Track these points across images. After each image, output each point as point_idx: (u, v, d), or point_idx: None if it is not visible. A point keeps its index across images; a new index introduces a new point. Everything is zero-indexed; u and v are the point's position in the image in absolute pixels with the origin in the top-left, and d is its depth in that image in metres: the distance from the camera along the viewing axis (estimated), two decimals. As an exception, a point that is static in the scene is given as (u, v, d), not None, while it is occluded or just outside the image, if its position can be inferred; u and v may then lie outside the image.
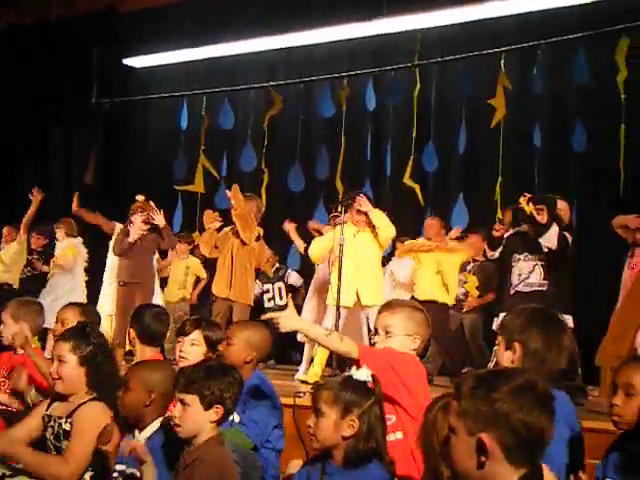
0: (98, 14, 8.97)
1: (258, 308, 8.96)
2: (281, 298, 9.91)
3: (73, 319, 4.87)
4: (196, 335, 4.46)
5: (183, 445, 3.35)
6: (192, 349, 4.43)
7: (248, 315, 8.11)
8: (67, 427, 3.81)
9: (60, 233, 9.86)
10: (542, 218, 6.67)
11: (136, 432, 3.62)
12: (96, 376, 3.87)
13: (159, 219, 8.42)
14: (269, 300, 9.95)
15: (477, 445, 2.12)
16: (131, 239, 8.35)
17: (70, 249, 9.75)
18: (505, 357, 3.21)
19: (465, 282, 8.52)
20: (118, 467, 3.59)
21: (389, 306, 3.75)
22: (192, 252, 10.31)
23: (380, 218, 7.34)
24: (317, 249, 7.69)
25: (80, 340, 3.93)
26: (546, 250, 6.69)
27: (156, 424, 3.60)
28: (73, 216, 9.82)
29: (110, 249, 9.20)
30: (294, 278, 9.99)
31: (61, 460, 3.74)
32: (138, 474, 3.46)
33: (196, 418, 3.27)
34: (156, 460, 3.44)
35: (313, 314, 8.08)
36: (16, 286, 9.86)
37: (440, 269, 8.00)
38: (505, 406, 2.12)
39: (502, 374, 2.24)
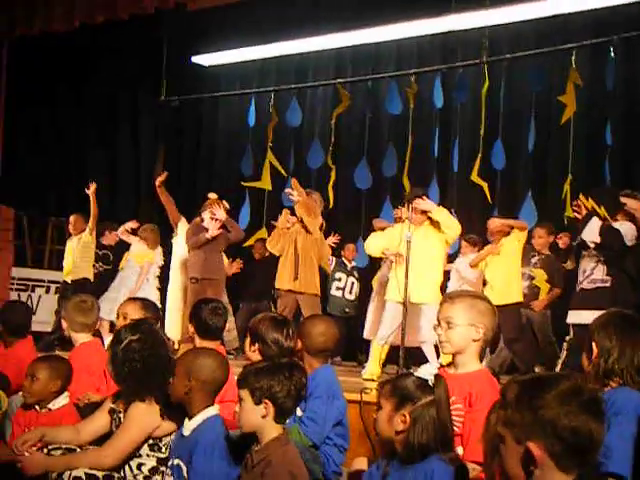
0: (167, 12, 9.04)
1: (324, 292, 9.04)
2: (351, 293, 9.96)
3: (133, 314, 4.93)
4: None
5: (243, 440, 3.37)
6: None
7: (319, 305, 8.15)
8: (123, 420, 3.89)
9: (142, 242, 9.91)
10: (579, 210, 6.58)
11: (185, 421, 3.65)
12: (123, 375, 3.89)
13: (220, 213, 8.50)
14: (337, 289, 10.00)
15: (525, 454, 2.10)
16: (209, 235, 8.43)
17: (148, 255, 9.83)
18: (583, 359, 3.23)
19: (532, 277, 8.41)
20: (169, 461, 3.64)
21: (449, 297, 3.72)
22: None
23: (444, 216, 7.29)
24: (372, 244, 7.74)
25: (117, 337, 3.98)
26: (592, 245, 6.56)
27: (205, 413, 3.60)
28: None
29: (175, 248, 9.31)
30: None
31: (97, 448, 3.83)
32: (182, 465, 3.51)
33: (249, 413, 3.29)
34: (205, 450, 3.47)
35: (380, 310, 8.07)
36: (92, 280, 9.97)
37: (506, 262, 7.97)
38: (550, 413, 2.08)
39: (546, 380, 2.20)
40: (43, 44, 10.11)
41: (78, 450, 3.89)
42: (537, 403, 2.11)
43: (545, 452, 2.07)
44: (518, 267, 8.19)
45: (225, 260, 9.23)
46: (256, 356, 4.23)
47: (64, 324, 5.38)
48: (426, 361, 7.25)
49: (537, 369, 7.93)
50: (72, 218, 9.91)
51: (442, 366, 3.73)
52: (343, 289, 9.98)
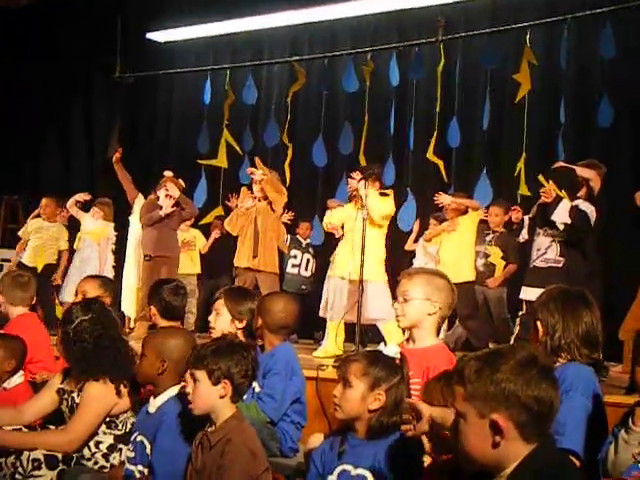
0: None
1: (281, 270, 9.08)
2: (306, 270, 10.03)
3: (92, 291, 4.93)
4: (219, 305, 4.49)
5: (198, 417, 3.39)
6: (218, 319, 4.46)
7: (277, 283, 8.16)
8: (78, 400, 3.86)
9: (97, 214, 9.83)
10: (547, 196, 6.66)
11: (151, 399, 3.65)
12: (75, 354, 3.88)
13: (174, 191, 8.47)
14: (293, 266, 10.07)
15: (491, 426, 2.13)
16: (162, 213, 8.41)
17: (103, 231, 9.76)
18: (531, 335, 3.28)
19: (487, 255, 8.50)
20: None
21: (408, 273, 3.77)
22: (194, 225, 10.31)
23: (370, 199, 7.23)
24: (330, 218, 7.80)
25: (69, 316, 3.97)
26: (562, 226, 6.66)
27: (171, 391, 3.62)
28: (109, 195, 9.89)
29: (132, 225, 9.25)
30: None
31: (59, 431, 3.81)
32: (146, 442, 3.52)
33: (206, 393, 3.30)
34: (170, 428, 3.48)
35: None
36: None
37: (459, 241, 8.07)
38: (512, 384, 2.13)
39: (501, 353, 2.24)
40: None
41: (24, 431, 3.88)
42: (498, 376, 2.14)
43: (511, 423, 2.11)
44: (471, 246, 8.30)
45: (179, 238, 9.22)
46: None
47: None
48: (381, 339, 7.29)
49: (491, 346, 8.02)
50: (43, 201, 9.78)
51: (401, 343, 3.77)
52: (299, 266, 10.08)
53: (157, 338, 3.73)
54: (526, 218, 7.83)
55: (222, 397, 3.30)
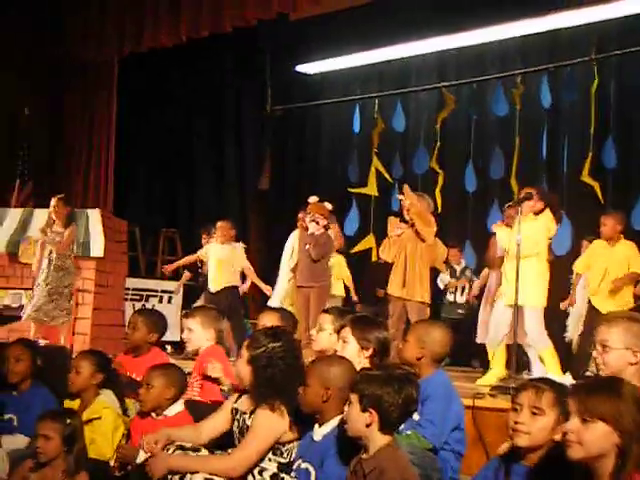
0: (270, 23, 9.17)
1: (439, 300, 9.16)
2: (462, 296, 9.95)
3: (272, 324, 4.97)
4: (345, 332, 4.45)
5: (357, 446, 3.37)
6: (344, 347, 4.42)
7: (426, 313, 8.08)
8: (250, 423, 3.90)
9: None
10: None
11: (316, 427, 3.66)
12: (262, 379, 3.91)
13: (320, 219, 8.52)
14: (451, 294, 10.09)
15: None
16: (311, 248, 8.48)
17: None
18: None
19: None
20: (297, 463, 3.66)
21: (606, 320, 3.67)
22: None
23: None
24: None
25: (256, 341, 4.02)
26: None
27: (335, 421, 3.60)
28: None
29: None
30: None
31: (225, 456, 3.85)
32: (311, 469, 3.51)
33: (354, 418, 3.27)
34: (337, 455, 3.46)
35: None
36: None
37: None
38: None
39: None
40: (148, 62, 10.39)
41: (203, 451, 3.95)
42: None
43: None
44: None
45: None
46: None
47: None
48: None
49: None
50: (219, 225, 10.00)
51: None
52: (454, 293, 10.01)
53: (321, 366, 3.74)
54: None
55: (368, 425, 3.26)
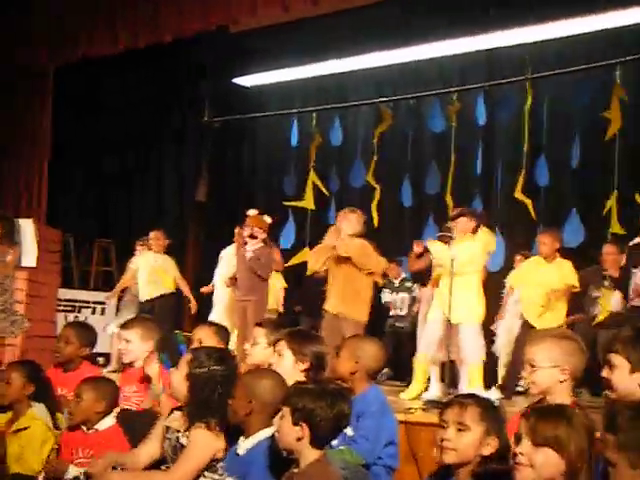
0: (209, 35, 9.16)
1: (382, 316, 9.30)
2: (402, 310, 10.00)
3: (207, 339, 4.94)
4: (281, 346, 4.44)
5: (288, 460, 3.38)
6: (279, 360, 4.41)
7: (361, 331, 8.07)
8: (184, 442, 3.86)
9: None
10: None
11: (240, 440, 3.64)
12: (197, 398, 3.88)
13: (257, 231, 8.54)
14: (394, 308, 10.16)
15: None
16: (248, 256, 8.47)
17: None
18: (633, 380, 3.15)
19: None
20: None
21: (532, 339, 3.70)
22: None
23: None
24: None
25: (199, 359, 3.98)
26: None
27: (263, 433, 3.58)
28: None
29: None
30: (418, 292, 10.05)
31: (163, 474, 3.82)
32: None
33: (286, 432, 3.27)
34: (260, 471, 3.46)
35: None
36: None
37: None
38: None
39: None
40: (84, 72, 10.28)
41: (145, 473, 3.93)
42: None
43: None
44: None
45: None
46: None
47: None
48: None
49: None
50: (153, 234, 9.98)
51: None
52: (395, 308, 10.10)
53: (248, 379, 3.73)
54: None
55: (299, 439, 3.25)
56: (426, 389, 7.56)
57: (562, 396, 3.49)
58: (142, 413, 4.71)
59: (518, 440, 2.81)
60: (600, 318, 8.00)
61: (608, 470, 2.15)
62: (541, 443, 2.72)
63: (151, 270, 9.77)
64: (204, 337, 5.00)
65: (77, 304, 11.02)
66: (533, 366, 3.54)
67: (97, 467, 3.93)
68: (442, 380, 7.36)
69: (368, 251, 7.69)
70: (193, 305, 9.95)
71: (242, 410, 3.59)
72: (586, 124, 9.33)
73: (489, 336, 8.48)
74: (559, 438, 2.70)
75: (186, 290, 10.01)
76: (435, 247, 7.53)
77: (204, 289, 9.93)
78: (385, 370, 9.14)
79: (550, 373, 3.50)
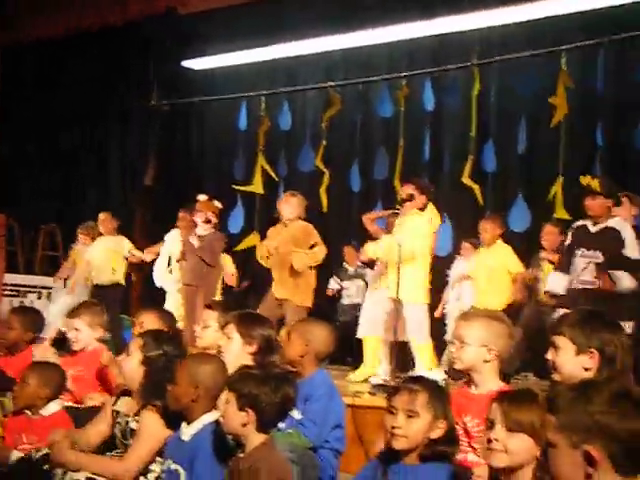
0: (157, 16, 9.07)
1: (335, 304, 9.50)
2: (357, 297, 10.02)
3: (150, 324, 4.91)
4: (229, 329, 4.45)
5: (234, 444, 3.38)
6: (228, 343, 4.42)
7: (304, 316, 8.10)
8: (134, 426, 3.85)
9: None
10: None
11: (183, 425, 3.64)
12: (154, 381, 3.87)
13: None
14: (348, 297, 10.19)
15: (584, 457, 2.10)
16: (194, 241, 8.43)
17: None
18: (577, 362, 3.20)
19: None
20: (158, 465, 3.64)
21: (465, 315, 3.77)
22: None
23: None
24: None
25: (151, 343, 3.97)
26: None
27: (206, 418, 3.59)
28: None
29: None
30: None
31: (118, 460, 3.81)
32: (181, 470, 3.50)
33: (231, 417, 3.29)
34: (207, 456, 3.47)
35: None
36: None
37: None
38: (606, 417, 2.10)
39: (595, 384, 2.24)
40: (31, 53, 10.12)
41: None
42: (592, 408, 2.11)
43: (604, 455, 2.08)
44: None
45: None
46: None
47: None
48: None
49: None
50: (102, 216, 9.90)
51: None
52: (351, 296, 10.13)
53: (190, 364, 3.71)
54: None
55: (244, 425, 3.27)
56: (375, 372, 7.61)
57: (487, 376, 3.56)
58: (88, 410, 4.68)
59: (490, 425, 2.84)
60: (542, 297, 8.07)
61: (550, 450, 2.19)
62: (515, 429, 2.76)
63: (104, 252, 9.71)
64: (147, 322, 4.98)
65: (22, 289, 10.89)
66: (462, 342, 3.59)
67: (57, 443, 3.91)
68: (391, 362, 7.41)
69: (309, 239, 7.75)
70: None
71: (186, 397, 3.58)
72: (532, 110, 9.41)
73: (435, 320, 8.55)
74: (534, 424, 2.74)
75: (141, 256, 9.89)
76: (376, 248, 7.56)
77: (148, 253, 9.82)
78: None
79: (477, 351, 3.56)
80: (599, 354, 3.15)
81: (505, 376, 7.14)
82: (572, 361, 3.20)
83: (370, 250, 7.70)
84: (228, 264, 9.29)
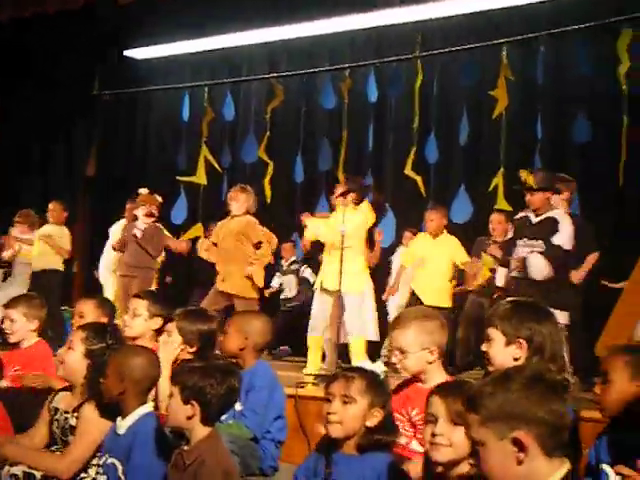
0: (99, 5, 8.96)
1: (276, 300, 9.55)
2: (290, 290, 10.09)
3: (89, 314, 4.87)
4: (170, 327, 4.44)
5: (172, 436, 3.37)
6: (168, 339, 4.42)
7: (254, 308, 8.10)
8: (73, 422, 3.81)
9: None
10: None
11: (118, 419, 3.62)
12: (97, 374, 3.83)
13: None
14: (281, 292, 10.38)
15: (513, 444, 2.14)
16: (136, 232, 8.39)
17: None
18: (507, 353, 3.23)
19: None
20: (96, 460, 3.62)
21: (397, 324, 3.71)
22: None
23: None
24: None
25: (93, 336, 3.94)
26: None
27: (141, 410, 3.58)
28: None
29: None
30: (308, 273, 10.07)
31: (58, 456, 3.77)
32: (118, 464, 3.48)
33: (175, 410, 3.27)
34: (144, 447, 3.46)
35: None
36: None
37: None
38: (526, 402, 2.15)
39: (508, 374, 2.28)
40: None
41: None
42: (511, 396, 2.17)
43: (532, 438, 2.14)
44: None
45: None
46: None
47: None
48: None
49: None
50: (52, 205, 9.81)
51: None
52: (284, 290, 10.19)
53: (118, 358, 3.67)
54: None
55: (189, 418, 3.25)
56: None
57: (435, 375, 3.60)
58: (27, 392, 4.62)
59: (432, 420, 2.84)
60: (479, 282, 8.15)
61: (478, 450, 2.22)
62: (459, 421, 2.74)
63: (48, 239, 9.60)
64: (86, 311, 4.94)
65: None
66: (403, 352, 3.61)
67: None
68: (334, 353, 7.45)
69: (252, 234, 7.73)
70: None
71: (115, 389, 3.56)
72: (474, 102, 9.50)
73: (381, 309, 8.57)
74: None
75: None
76: (320, 227, 7.56)
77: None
78: (284, 347, 9.33)
79: (419, 356, 3.58)
80: (527, 344, 3.19)
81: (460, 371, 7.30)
82: (502, 352, 3.23)
83: (309, 233, 7.71)
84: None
